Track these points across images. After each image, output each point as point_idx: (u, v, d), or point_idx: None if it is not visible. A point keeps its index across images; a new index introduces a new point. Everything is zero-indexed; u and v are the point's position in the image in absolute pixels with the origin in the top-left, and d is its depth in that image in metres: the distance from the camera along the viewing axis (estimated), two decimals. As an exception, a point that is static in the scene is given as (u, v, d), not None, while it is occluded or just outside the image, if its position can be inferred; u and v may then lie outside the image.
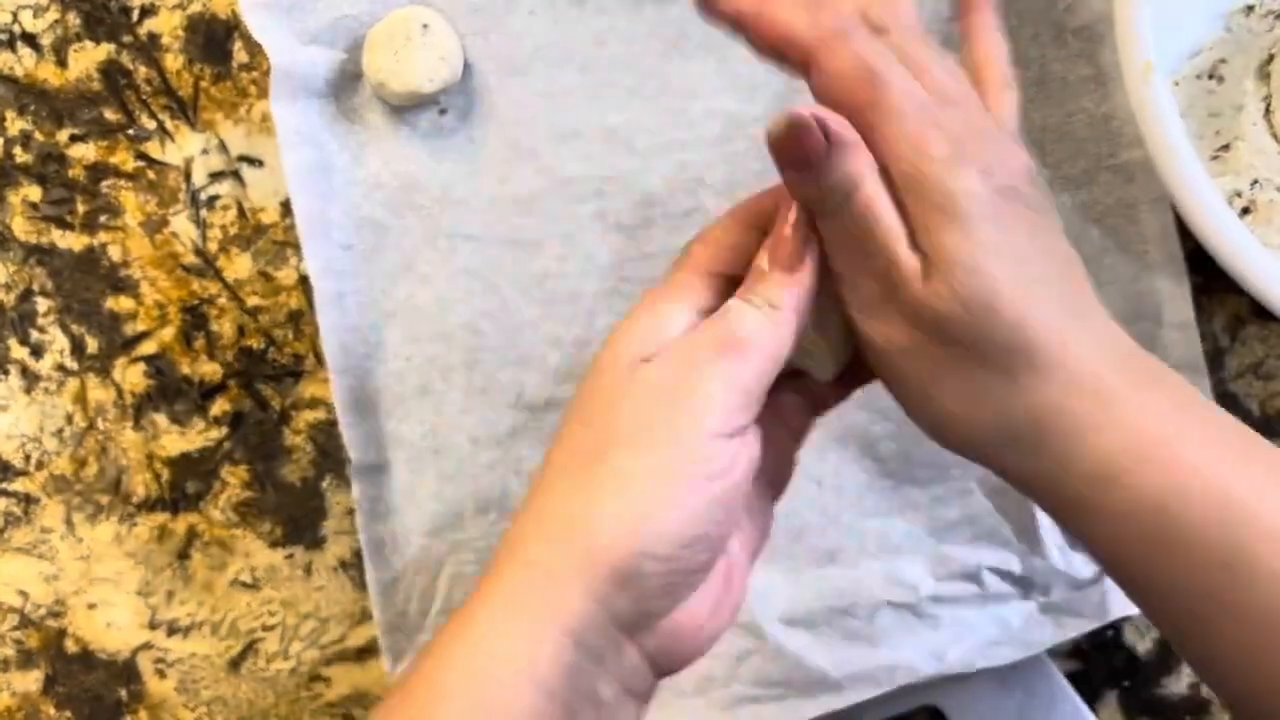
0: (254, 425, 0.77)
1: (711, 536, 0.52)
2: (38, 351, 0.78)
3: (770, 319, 0.53)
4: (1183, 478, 0.50)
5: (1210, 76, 0.72)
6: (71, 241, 0.77)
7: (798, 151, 0.53)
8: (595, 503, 0.51)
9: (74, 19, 0.77)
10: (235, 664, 0.78)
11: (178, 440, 0.78)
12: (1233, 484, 0.50)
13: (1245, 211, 0.70)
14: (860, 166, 0.52)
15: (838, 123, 0.52)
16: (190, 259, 0.77)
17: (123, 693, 0.79)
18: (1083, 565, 0.74)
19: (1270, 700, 0.50)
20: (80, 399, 0.78)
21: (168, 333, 0.77)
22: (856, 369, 0.58)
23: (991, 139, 0.53)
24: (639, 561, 0.50)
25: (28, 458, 0.78)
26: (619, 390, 0.53)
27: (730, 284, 0.55)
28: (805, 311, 0.54)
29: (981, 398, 0.52)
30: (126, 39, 0.77)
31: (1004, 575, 0.74)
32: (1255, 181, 0.71)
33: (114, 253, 0.77)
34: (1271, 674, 0.49)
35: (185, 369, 0.77)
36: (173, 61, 0.77)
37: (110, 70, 0.77)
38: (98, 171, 0.77)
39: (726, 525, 0.52)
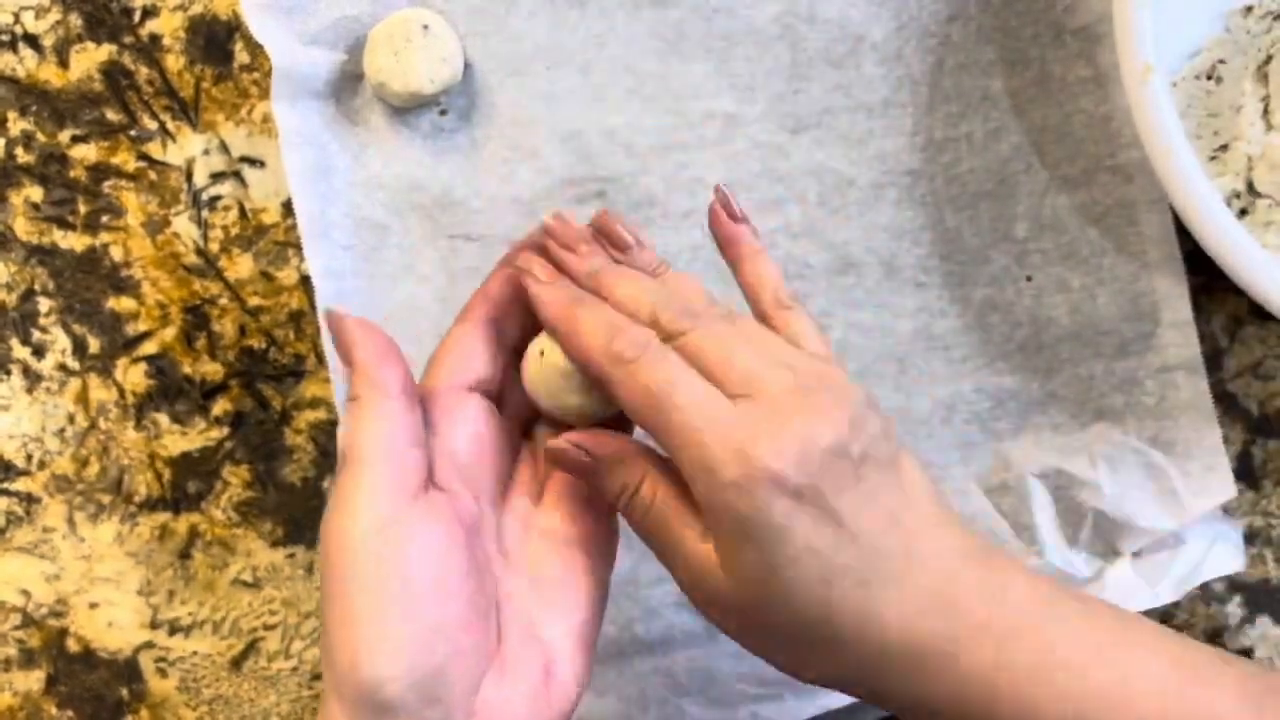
0: (255, 425, 0.78)
1: (427, 640, 0.53)
2: (39, 351, 0.78)
3: (358, 413, 0.57)
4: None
5: (1209, 77, 0.72)
6: (73, 242, 0.77)
7: (569, 468, 0.59)
8: (328, 659, 0.54)
9: (75, 20, 0.77)
10: (237, 663, 0.78)
11: (179, 440, 0.78)
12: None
13: (1243, 213, 0.70)
14: (634, 473, 0.57)
15: (595, 443, 0.58)
16: (192, 259, 0.77)
17: (124, 692, 0.79)
18: (1082, 564, 0.74)
19: None
20: (82, 399, 0.78)
21: (169, 333, 0.77)
22: None
23: (812, 408, 0.53)
24: (375, 693, 0.52)
25: (29, 457, 0.78)
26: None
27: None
28: (395, 391, 0.58)
29: (806, 661, 0.56)
30: (128, 40, 0.77)
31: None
32: (1253, 182, 0.71)
33: (115, 253, 0.77)
34: None
35: (187, 369, 0.77)
36: (174, 62, 0.77)
37: (112, 71, 0.77)
38: (99, 172, 0.77)
39: (443, 625, 0.54)
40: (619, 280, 0.59)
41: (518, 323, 0.63)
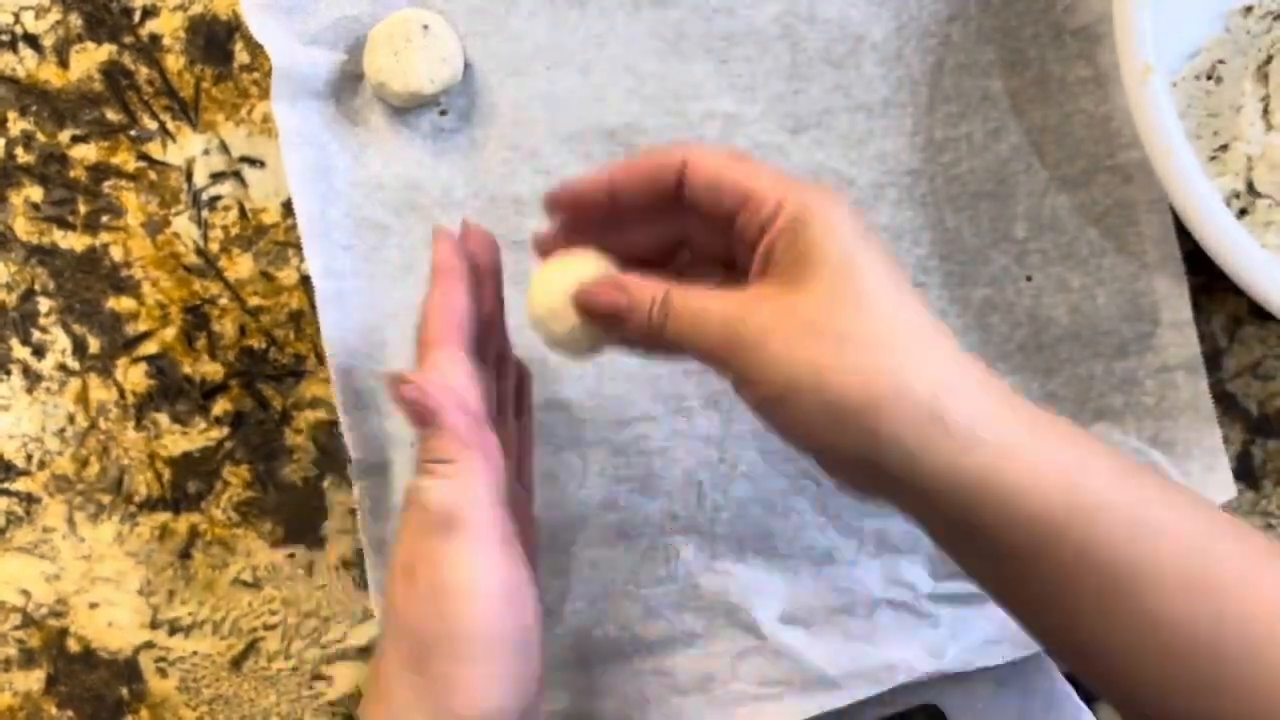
0: (255, 425, 0.78)
1: (532, 668, 0.59)
2: (39, 351, 0.78)
3: (453, 477, 0.58)
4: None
5: (1209, 77, 0.72)
6: (73, 242, 0.77)
7: (603, 309, 0.59)
8: (444, 696, 0.57)
9: (75, 20, 0.77)
10: (237, 663, 0.78)
11: (179, 440, 0.78)
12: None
13: (1243, 213, 0.70)
14: (656, 290, 0.57)
15: (622, 282, 0.59)
16: (192, 259, 0.77)
17: (124, 692, 0.79)
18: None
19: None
20: (82, 399, 0.78)
21: (169, 333, 0.77)
22: None
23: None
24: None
25: (29, 457, 0.78)
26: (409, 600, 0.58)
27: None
28: (492, 452, 0.60)
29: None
30: (128, 40, 0.77)
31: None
32: (1253, 182, 0.71)
33: (115, 253, 0.77)
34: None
35: (187, 369, 0.77)
36: (174, 62, 0.77)
37: (112, 71, 0.77)
38: (99, 172, 0.77)
39: (534, 650, 0.59)
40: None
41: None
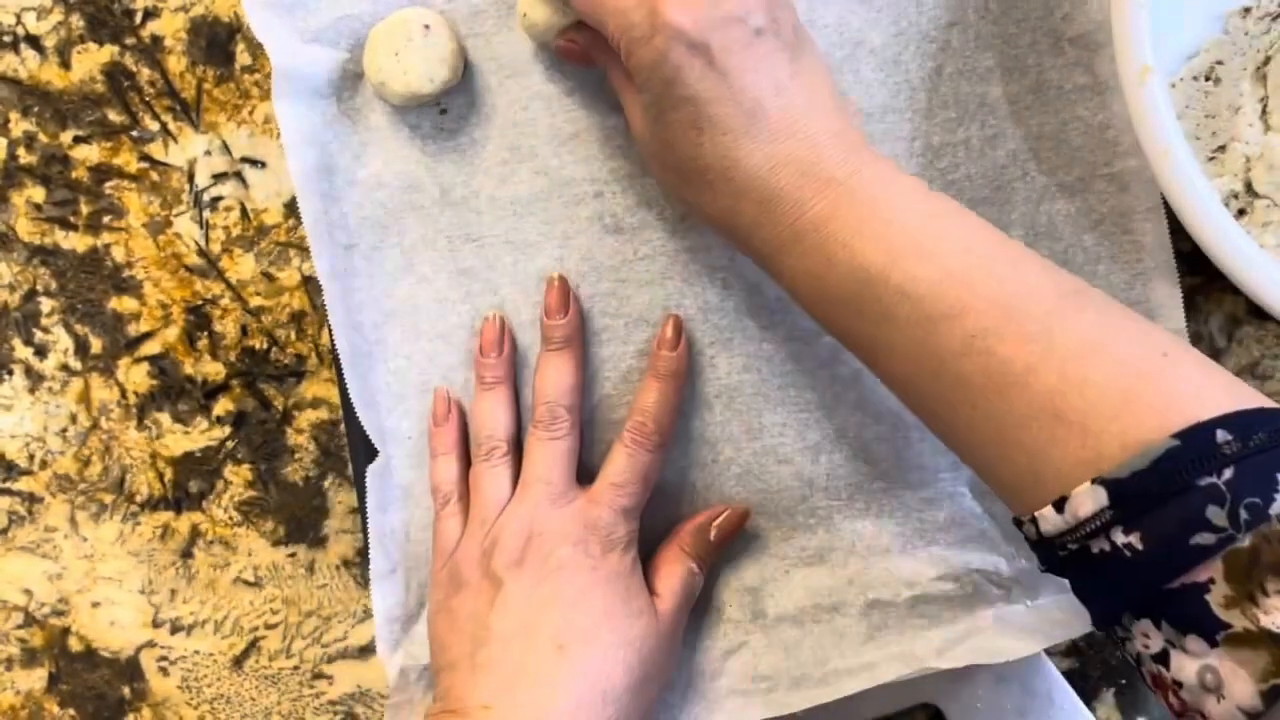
0: (257, 425, 0.78)
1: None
2: (42, 352, 0.78)
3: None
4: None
5: (1207, 78, 0.72)
6: (75, 242, 0.78)
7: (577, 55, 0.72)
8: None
9: (77, 21, 0.77)
10: (238, 662, 0.79)
11: (181, 440, 0.78)
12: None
13: (1241, 213, 0.71)
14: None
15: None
16: (193, 259, 0.77)
17: (126, 690, 0.79)
18: (1076, 568, 0.74)
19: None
20: (84, 399, 0.78)
21: (171, 333, 0.78)
22: None
23: None
24: None
25: (32, 457, 0.78)
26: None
27: None
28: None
29: (696, 198, 0.66)
30: (129, 41, 0.77)
31: (991, 577, 0.74)
32: (1251, 183, 0.71)
33: (117, 253, 0.78)
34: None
35: (188, 369, 0.78)
36: (175, 63, 0.77)
37: (113, 72, 0.77)
38: (101, 173, 0.77)
39: None
40: None
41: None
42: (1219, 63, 0.71)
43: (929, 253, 0.59)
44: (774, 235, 0.63)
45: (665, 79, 0.62)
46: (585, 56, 0.71)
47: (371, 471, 0.75)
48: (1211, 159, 0.71)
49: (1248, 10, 0.72)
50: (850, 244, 0.60)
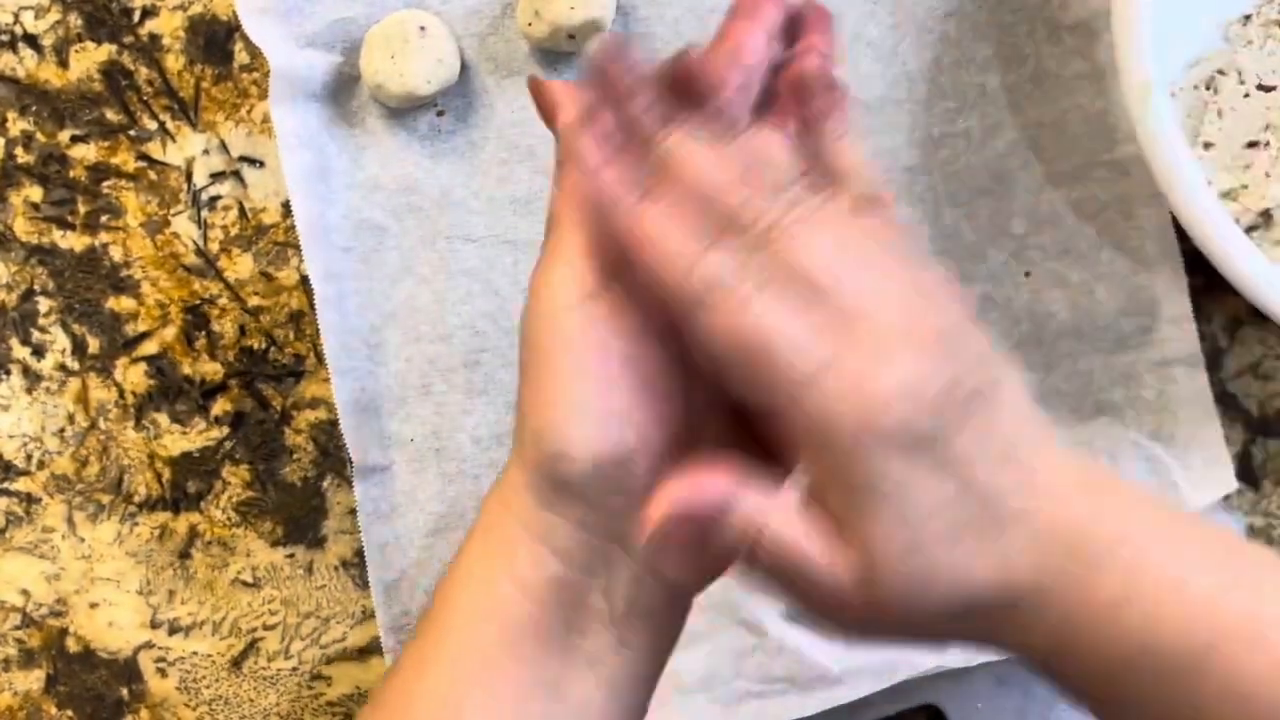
0: (255, 425, 0.78)
1: (618, 424, 0.50)
2: (39, 351, 0.78)
3: (566, 179, 0.53)
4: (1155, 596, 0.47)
5: (1208, 86, 0.72)
6: (73, 242, 0.78)
7: (685, 543, 0.49)
8: (519, 426, 0.52)
9: (75, 20, 0.77)
10: (237, 663, 0.78)
11: (179, 440, 0.78)
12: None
13: (1252, 229, 0.71)
14: (748, 517, 0.48)
15: (696, 498, 0.48)
16: (191, 259, 0.77)
17: (124, 692, 0.79)
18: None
19: None
20: (82, 399, 0.78)
21: (169, 333, 0.77)
22: None
23: (919, 341, 0.47)
24: (556, 465, 0.50)
25: (29, 457, 0.78)
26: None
27: None
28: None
29: (946, 633, 0.50)
30: (128, 40, 0.77)
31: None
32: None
33: (115, 253, 0.77)
34: None
35: (186, 369, 0.77)
36: (174, 62, 0.77)
37: (111, 71, 0.77)
38: (99, 172, 0.77)
39: (636, 413, 0.51)
40: (690, 158, 0.51)
41: None
42: (1220, 71, 0.71)
43: (1257, 635, 0.46)
44: (1038, 641, 0.48)
45: (893, 497, 0.46)
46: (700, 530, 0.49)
47: (371, 478, 0.75)
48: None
49: (1248, 18, 0.72)
50: (1147, 628, 0.47)
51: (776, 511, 0.48)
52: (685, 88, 0.52)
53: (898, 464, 0.46)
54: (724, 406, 0.53)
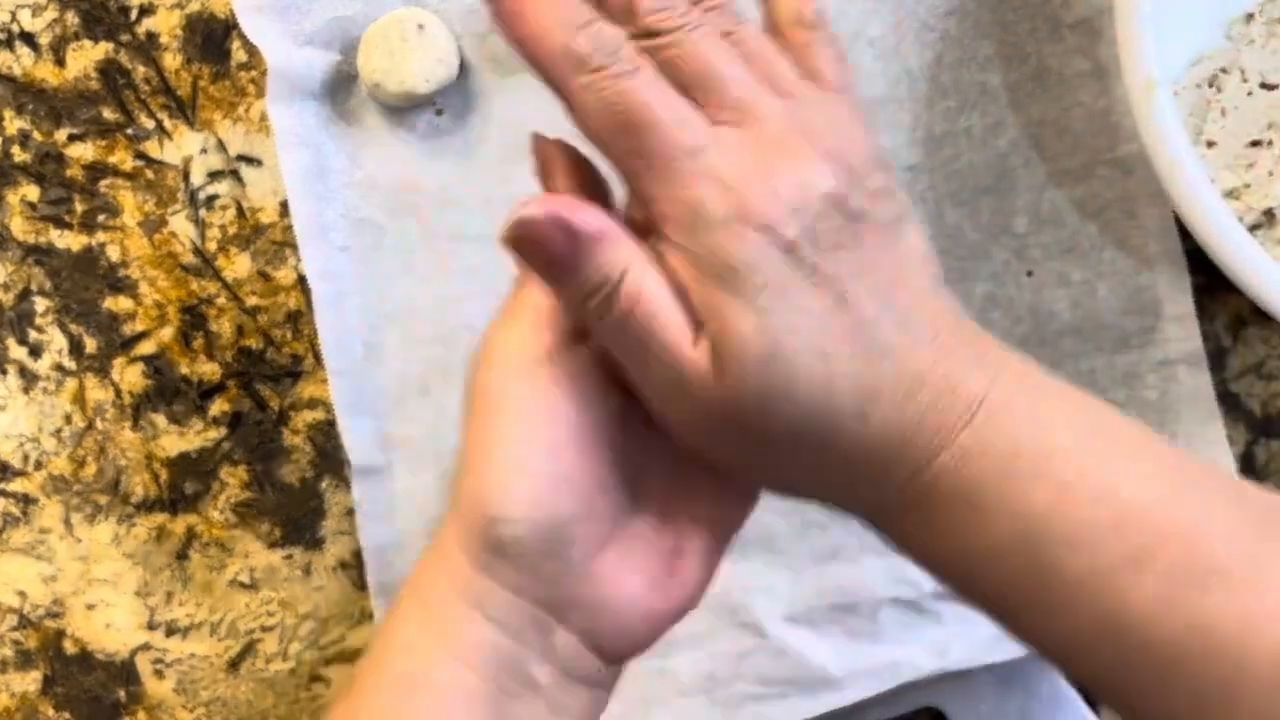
0: (253, 425, 0.77)
1: (559, 490, 0.49)
2: (36, 351, 0.78)
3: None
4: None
5: (1210, 85, 0.72)
6: (70, 241, 0.77)
7: (538, 256, 0.47)
8: (458, 484, 0.51)
9: (72, 18, 0.77)
10: (234, 664, 0.78)
11: (176, 440, 0.78)
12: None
13: (1255, 227, 0.70)
14: (616, 259, 0.47)
15: (580, 215, 0.47)
16: (189, 259, 0.77)
17: (121, 693, 0.79)
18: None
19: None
20: (79, 399, 0.78)
21: (166, 333, 0.77)
22: None
23: (809, 149, 0.47)
24: (493, 527, 0.49)
25: (26, 458, 0.78)
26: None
27: None
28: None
29: (804, 465, 0.49)
30: (125, 38, 0.77)
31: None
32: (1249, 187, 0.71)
33: (112, 252, 0.77)
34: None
35: (184, 369, 0.77)
36: (171, 61, 0.77)
37: (108, 69, 0.77)
38: (96, 171, 0.77)
39: (579, 479, 0.50)
40: None
41: None
42: (1223, 70, 0.71)
43: (1101, 489, 0.46)
44: (892, 495, 0.48)
45: (760, 289, 0.45)
46: (557, 260, 0.47)
47: (369, 479, 0.75)
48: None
49: (1251, 16, 0.72)
50: (1000, 488, 0.46)
51: (644, 261, 0.47)
52: None
53: (771, 259, 0.45)
54: (667, 467, 0.52)
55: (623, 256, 0.47)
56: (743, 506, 0.55)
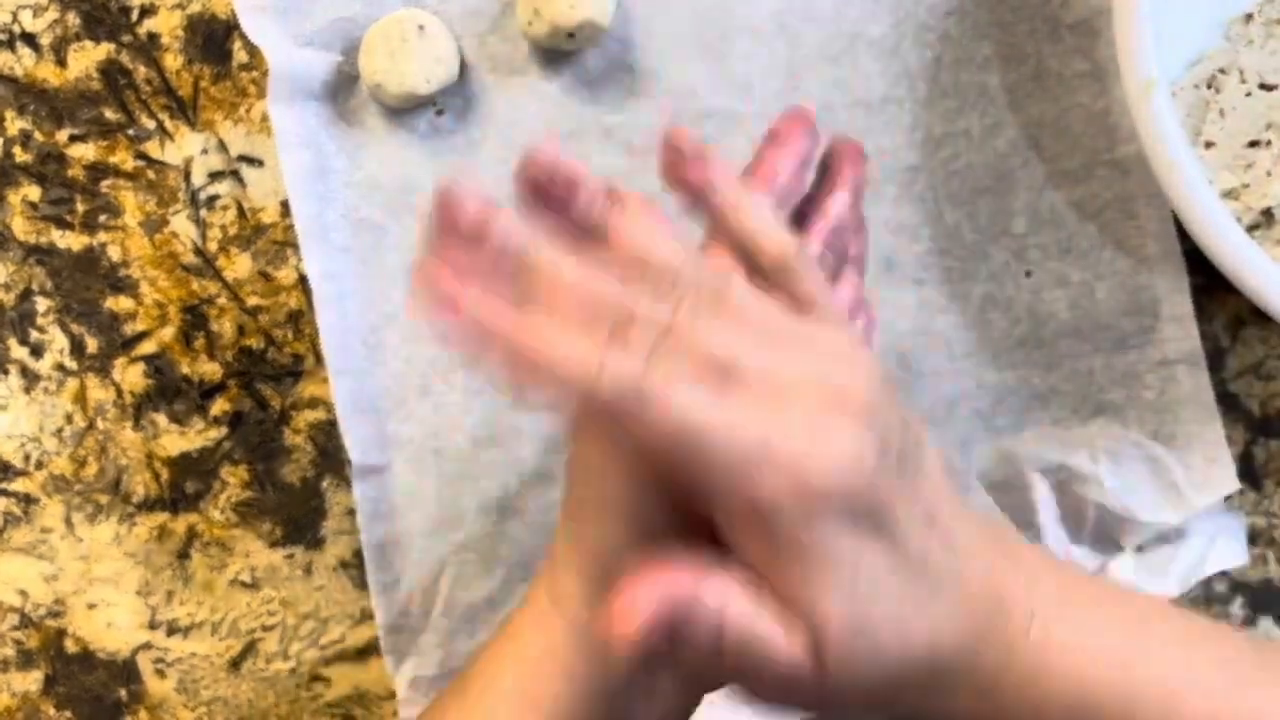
0: (254, 425, 0.78)
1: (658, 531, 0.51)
2: (37, 351, 0.78)
3: None
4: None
5: (1209, 85, 0.72)
6: (71, 241, 0.77)
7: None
8: (571, 535, 0.55)
9: (73, 19, 0.77)
10: (235, 664, 0.78)
11: (177, 440, 0.78)
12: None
13: (1254, 228, 0.70)
14: (717, 600, 0.47)
15: (665, 593, 0.47)
16: (190, 259, 0.77)
17: (122, 693, 0.79)
18: (1086, 560, 0.74)
19: None
20: (80, 399, 0.78)
21: (167, 332, 0.77)
22: None
23: (844, 411, 0.47)
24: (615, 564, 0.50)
25: (27, 457, 0.78)
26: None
27: None
28: None
29: (905, 699, 0.51)
30: (126, 39, 0.77)
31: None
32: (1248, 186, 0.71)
33: (113, 252, 0.77)
34: None
35: (185, 369, 0.77)
36: (172, 61, 0.77)
37: (110, 70, 0.77)
38: (97, 171, 0.77)
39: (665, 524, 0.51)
40: (563, 264, 0.48)
41: None
42: (1221, 70, 0.71)
43: (1152, 679, 0.51)
44: (963, 703, 0.51)
45: (836, 566, 0.46)
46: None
47: (370, 478, 0.75)
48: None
49: (1250, 17, 0.72)
50: (1068, 692, 0.51)
51: (732, 592, 0.47)
52: (544, 193, 0.52)
53: (844, 535, 0.46)
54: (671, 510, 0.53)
55: (715, 593, 0.47)
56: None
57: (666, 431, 0.45)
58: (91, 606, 0.78)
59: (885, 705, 0.51)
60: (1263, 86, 0.71)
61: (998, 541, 0.52)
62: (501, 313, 0.46)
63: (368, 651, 0.78)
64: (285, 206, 0.76)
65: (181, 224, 0.77)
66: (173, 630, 0.78)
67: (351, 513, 0.76)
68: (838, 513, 0.46)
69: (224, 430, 0.78)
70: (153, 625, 0.78)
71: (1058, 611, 0.51)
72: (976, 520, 0.52)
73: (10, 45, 0.77)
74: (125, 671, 0.78)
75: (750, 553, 0.47)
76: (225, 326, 0.77)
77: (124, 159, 0.77)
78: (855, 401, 0.47)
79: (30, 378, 0.78)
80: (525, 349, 0.45)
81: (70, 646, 0.79)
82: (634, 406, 0.45)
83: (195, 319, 0.77)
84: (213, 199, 0.77)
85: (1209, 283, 0.74)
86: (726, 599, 0.47)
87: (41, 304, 0.78)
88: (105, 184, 0.77)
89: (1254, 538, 0.75)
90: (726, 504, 0.47)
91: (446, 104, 0.75)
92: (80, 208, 0.77)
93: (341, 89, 0.75)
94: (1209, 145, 0.71)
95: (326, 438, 0.77)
